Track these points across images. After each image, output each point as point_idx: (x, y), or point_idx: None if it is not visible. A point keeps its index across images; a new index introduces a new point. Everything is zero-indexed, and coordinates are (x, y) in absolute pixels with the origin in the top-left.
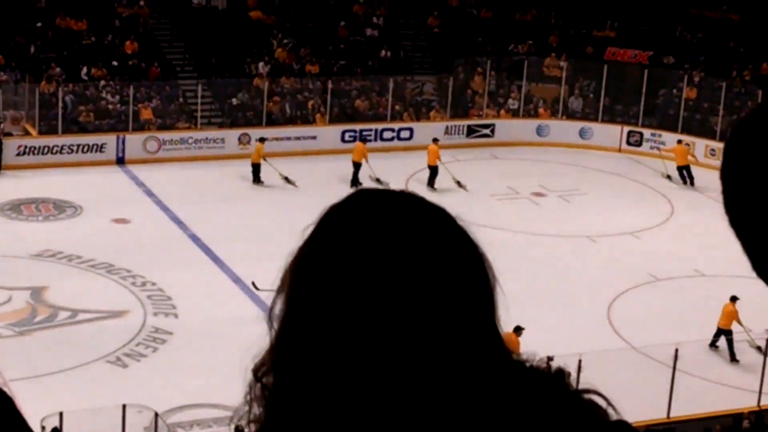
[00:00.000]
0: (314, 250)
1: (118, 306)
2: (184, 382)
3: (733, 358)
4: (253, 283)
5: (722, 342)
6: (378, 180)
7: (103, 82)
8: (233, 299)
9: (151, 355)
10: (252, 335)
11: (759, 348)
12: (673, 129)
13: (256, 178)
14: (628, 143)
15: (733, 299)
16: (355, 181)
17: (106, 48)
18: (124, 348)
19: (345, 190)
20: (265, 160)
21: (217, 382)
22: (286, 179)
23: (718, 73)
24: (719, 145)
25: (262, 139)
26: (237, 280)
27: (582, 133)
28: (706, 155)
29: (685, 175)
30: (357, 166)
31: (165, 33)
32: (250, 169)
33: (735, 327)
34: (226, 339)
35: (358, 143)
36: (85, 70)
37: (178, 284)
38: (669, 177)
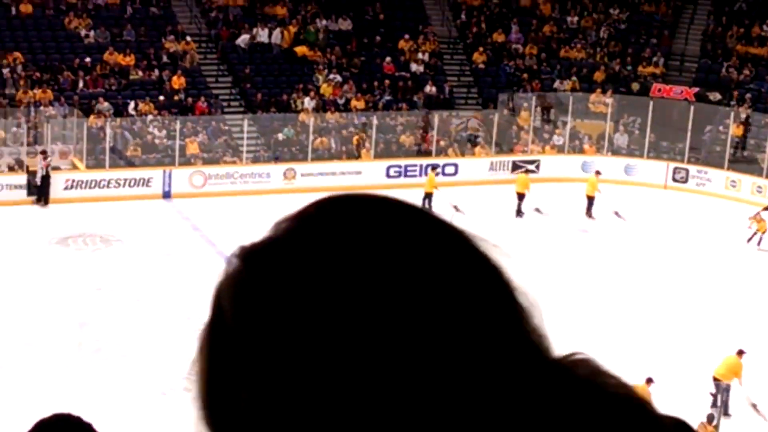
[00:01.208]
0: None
1: (168, 340)
2: None
3: (726, 412)
4: None
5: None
6: (538, 210)
7: (150, 117)
8: None
9: None
10: None
11: (754, 405)
12: (719, 166)
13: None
14: (674, 180)
15: (740, 353)
16: (519, 212)
17: (153, 83)
18: (177, 381)
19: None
20: (436, 188)
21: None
22: (456, 208)
23: (765, 110)
24: (766, 182)
25: (434, 168)
26: None
27: (627, 170)
28: (753, 192)
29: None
30: (521, 197)
31: (212, 68)
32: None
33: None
34: None
35: (521, 175)
36: (132, 104)
37: None
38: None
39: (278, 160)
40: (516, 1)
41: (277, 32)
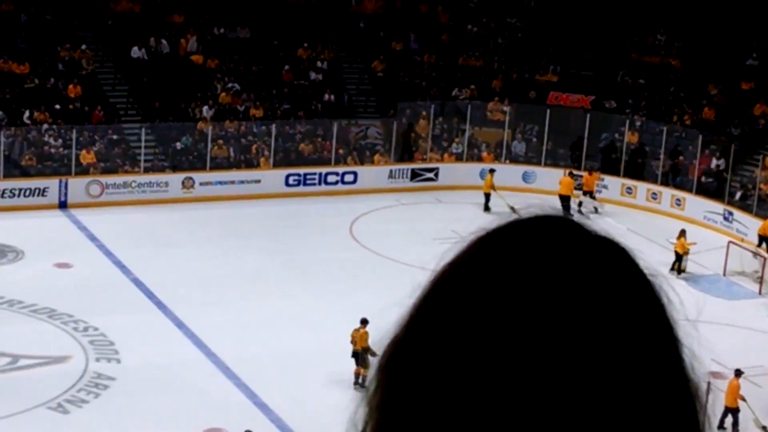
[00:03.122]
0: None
1: (59, 351)
2: (127, 428)
3: None
4: None
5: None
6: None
7: (45, 126)
8: (176, 344)
9: (93, 401)
10: (194, 380)
11: (764, 428)
12: (615, 173)
13: (486, 207)
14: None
15: (738, 374)
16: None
17: (48, 91)
18: (66, 394)
19: (299, 234)
20: (494, 190)
21: (160, 427)
22: (512, 209)
23: (659, 118)
24: (660, 189)
25: (492, 170)
26: (180, 324)
27: (525, 177)
28: (648, 199)
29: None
30: (565, 199)
31: (108, 76)
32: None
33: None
34: (168, 384)
35: (564, 177)
36: (27, 113)
37: (121, 329)
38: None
39: (176, 169)
40: (414, 10)
41: (173, 41)
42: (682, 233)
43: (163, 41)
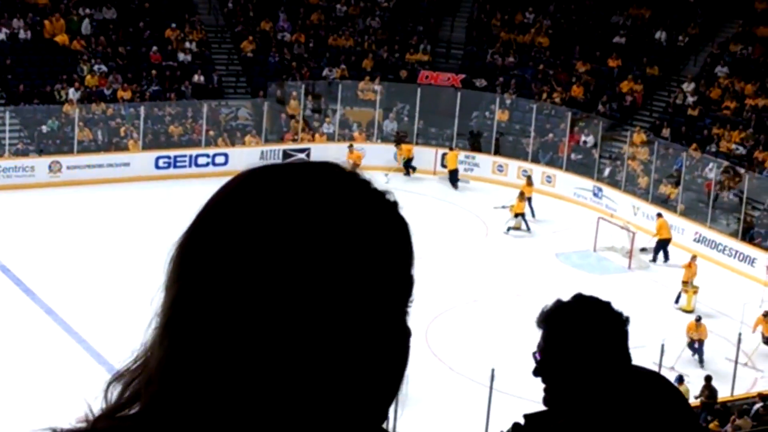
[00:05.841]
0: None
1: None
2: None
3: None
4: None
5: None
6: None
7: None
8: (45, 331)
9: None
10: (65, 368)
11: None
12: (486, 151)
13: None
14: (443, 165)
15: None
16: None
17: None
18: None
19: (170, 217)
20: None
21: (33, 418)
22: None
23: (529, 96)
24: (531, 166)
25: (446, 154)
26: (49, 311)
27: (396, 156)
28: (519, 176)
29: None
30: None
31: None
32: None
33: None
34: (39, 372)
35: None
36: None
37: None
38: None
39: (42, 153)
40: None
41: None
42: (521, 196)
43: (24, 30)
